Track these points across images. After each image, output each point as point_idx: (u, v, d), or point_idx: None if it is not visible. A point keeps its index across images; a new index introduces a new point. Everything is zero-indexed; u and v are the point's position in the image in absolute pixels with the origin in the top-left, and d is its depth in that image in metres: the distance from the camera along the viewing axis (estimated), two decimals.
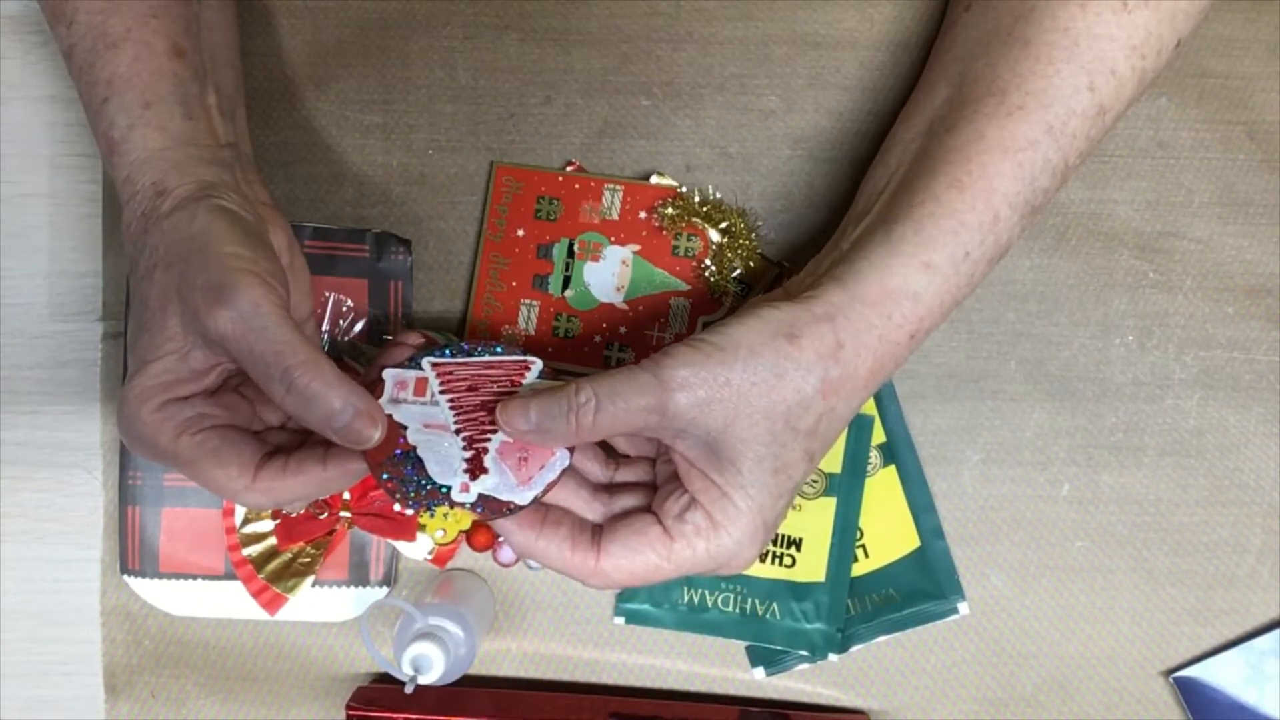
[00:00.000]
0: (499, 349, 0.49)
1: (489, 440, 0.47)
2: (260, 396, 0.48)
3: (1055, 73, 0.46)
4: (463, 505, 0.46)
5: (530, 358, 0.48)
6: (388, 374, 0.48)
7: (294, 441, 0.48)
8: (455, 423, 0.47)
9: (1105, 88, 0.47)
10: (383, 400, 0.47)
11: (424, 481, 0.46)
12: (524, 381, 0.48)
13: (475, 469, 0.46)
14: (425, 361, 0.48)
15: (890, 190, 0.48)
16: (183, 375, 0.45)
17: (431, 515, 0.46)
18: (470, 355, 0.49)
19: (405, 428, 0.47)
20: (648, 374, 0.44)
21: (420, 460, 0.46)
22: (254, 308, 0.43)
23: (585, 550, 0.46)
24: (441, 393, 0.48)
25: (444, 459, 0.47)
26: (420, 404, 0.47)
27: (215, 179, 0.47)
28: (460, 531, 0.55)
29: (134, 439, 0.46)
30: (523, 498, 0.46)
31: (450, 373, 0.48)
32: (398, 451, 0.46)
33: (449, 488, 0.46)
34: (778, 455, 0.45)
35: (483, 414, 0.47)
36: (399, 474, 0.46)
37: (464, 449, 0.47)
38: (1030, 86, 0.46)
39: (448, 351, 0.49)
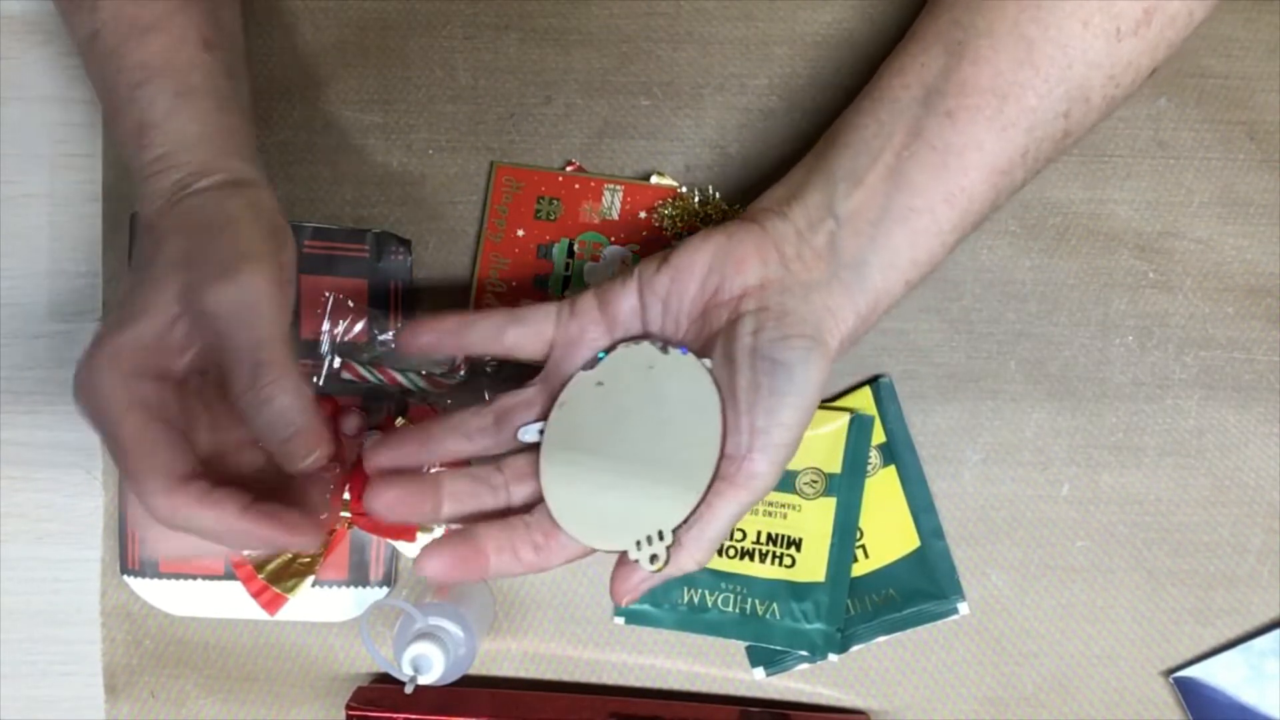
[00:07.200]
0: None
1: None
2: (218, 406, 0.46)
3: (1048, 92, 0.46)
4: None
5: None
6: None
7: (225, 481, 0.45)
8: None
9: (1076, 114, 0.47)
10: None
11: None
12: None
13: None
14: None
15: (885, 163, 0.47)
16: (162, 344, 0.44)
17: None
18: None
19: None
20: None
21: None
22: (257, 295, 0.43)
23: (525, 546, 0.46)
24: None
25: None
26: None
27: (256, 176, 0.48)
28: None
29: (87, 394, 0.43)
30: None
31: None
32: None
33: None
34: None
35: None
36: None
37: None
38: (1025, 102, 0.46)
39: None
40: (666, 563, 0.45)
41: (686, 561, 0.45)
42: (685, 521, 0.45)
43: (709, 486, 0.45)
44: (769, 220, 0.47)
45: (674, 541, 0.45)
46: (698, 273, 0.47)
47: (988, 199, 0.47)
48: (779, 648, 0.57)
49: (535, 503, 0.48)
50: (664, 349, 0.47)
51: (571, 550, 0.47)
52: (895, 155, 0.46)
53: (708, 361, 0.46)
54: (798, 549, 0.57)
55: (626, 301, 0.48)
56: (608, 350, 0.48)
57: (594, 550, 0.46)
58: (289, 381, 0.43)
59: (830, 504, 0.56)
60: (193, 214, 0.45)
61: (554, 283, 0.57)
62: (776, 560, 0.57)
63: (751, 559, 0.57)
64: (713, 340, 0.47)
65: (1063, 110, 0.46)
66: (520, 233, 0.57)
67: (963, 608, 0.57)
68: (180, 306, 0.44)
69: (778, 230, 0.47)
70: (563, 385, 0.48)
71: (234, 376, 0.43)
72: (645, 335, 0.48)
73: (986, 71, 0.46)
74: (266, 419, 0.43)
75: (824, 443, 0.56)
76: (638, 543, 0.45)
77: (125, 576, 0.58)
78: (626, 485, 0.46)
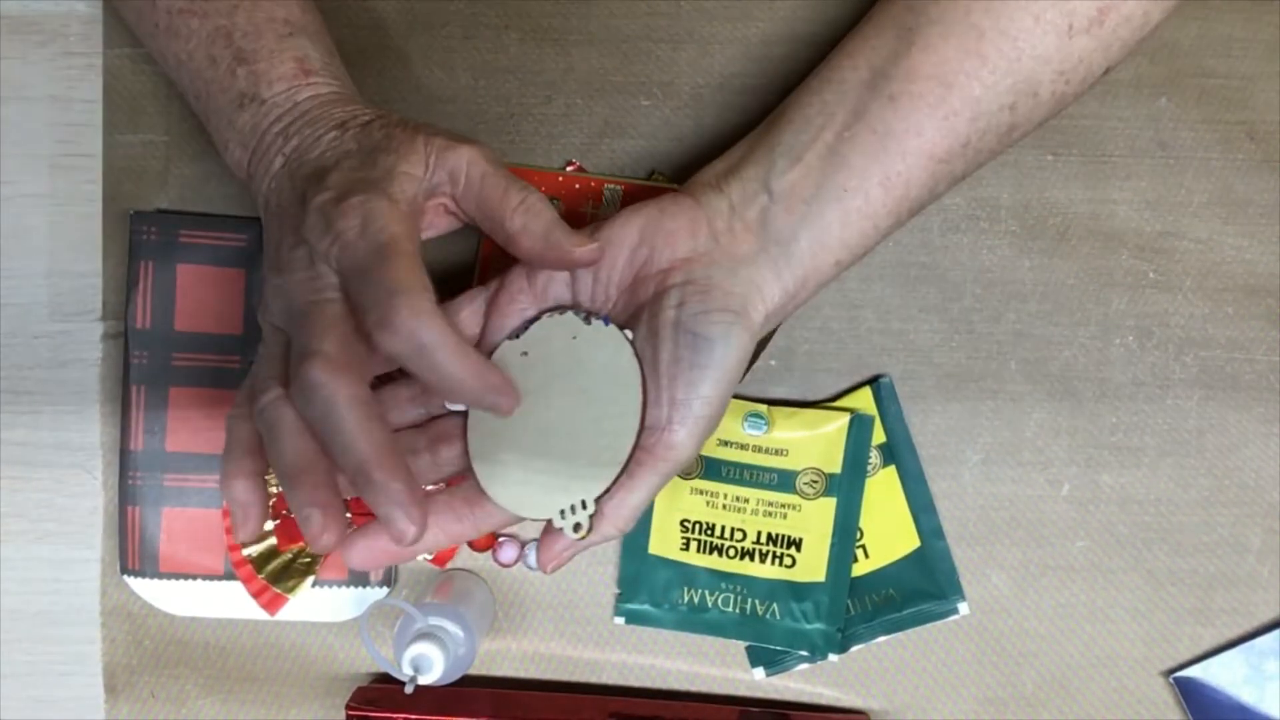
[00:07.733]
0: None
1: None
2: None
3: (994, 84, 0.46)
4: None
5: None
6: None
7: None
8: None
9: (1023, 108, 0.47)
10: None
11: None
12: None
13: None
14: None
15: (825, 142, 0.47)
16: (418, 200, 0.45)
17: None
18: None
19: None
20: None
21: None
22: (492, 154, 0.46)
23: (447, 518, 0.47)
24: None
25: None
26: None
27: None
28: None
29: (365, 211, 0.42)
30: None
31: None
32: None
33: None
34: None
35: None
36: None
37: None
38: (970, 91, 0.46)
39: None
40: (590, 531, 0.46)
41: (608, 529, 0.46)
42: (608, 491, 0.46)
43: (630, 457, 0.45)
44: (704, 194, 0.48)
45: (596, 510, 0.46)
46: (628, 244, 0.47)
47: (925, 186, 0.47)
48: (779, 648, 0.57)
49: (462, 464, 0.48)
50: (587, 319, 0.47)
51: (498, 519, 0.47)
52: (836, 135, 0.47)
53: (629, 333, 0.47)
54: (798, 549, 0.57)
55: (557, 271, 0.48)
56: (534, 320, 0.48)
57: (521, 519, 0.47)
58: (541, 201, 0.46)
59: (830, 504, 0.56)
60: (402, 121, 0.47)
61: None
62: (777, 560, 0.57)
63: (751, 559, 0.57)
64: (640, 311, 0.47)
65: (1009, 103, 0.46)
66: None
67: (963, 608, 0.57)
68: (429, 163, 0.46)
69: (711, 204, 0.47)
70: (490, 354, 0.48)
71: (503, 203, 0.45)
72: (571, 306, 0.48)
73: (933, 59, 0.46)
74: (542, 222, 0.45)
75: (824, 443, 0.56)
76: (561, 511, 0.46)
77: (125, 576, 0.58)
78: (550, 455, 0.46)
